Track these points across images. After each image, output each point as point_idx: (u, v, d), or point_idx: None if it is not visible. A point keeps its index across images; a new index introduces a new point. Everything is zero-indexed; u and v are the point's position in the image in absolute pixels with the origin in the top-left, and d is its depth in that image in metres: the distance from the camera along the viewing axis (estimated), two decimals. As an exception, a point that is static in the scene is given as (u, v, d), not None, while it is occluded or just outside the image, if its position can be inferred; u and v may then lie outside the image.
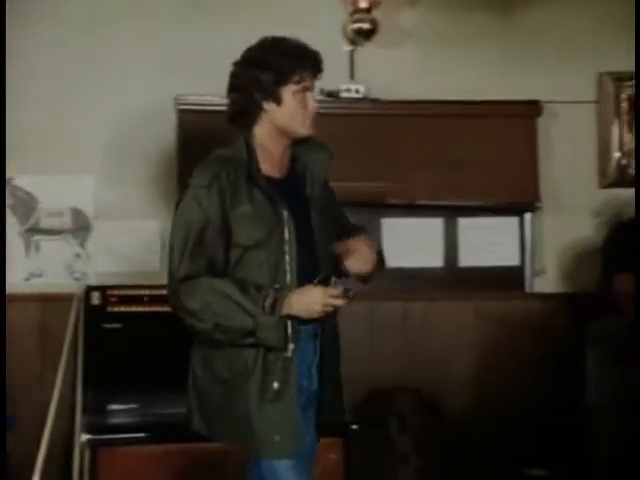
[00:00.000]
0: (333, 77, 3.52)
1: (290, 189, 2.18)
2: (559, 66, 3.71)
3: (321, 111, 3.39)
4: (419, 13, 3.69)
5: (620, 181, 3.84)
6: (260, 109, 2.18)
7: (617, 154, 3.85)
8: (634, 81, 3.78)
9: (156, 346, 3.02)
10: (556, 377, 3.59)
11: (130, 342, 3.04)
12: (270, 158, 2.20)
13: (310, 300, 2.07)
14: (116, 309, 3.18)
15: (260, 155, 2.20)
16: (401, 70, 3.64)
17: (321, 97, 3.45)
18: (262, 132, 2.20)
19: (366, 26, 3.39)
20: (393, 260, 3.61)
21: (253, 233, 2.11)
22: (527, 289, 3.82)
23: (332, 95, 3.48)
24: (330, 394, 2.25)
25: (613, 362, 3.29)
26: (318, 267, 2.17)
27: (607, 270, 3.38)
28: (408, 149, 3.59)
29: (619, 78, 3.78)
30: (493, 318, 3.69)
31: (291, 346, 2.10)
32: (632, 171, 3.83)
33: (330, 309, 2.10)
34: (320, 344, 2.21)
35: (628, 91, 3.82)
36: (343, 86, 3.51)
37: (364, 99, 3.54)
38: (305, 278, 2.11)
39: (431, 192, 3.63)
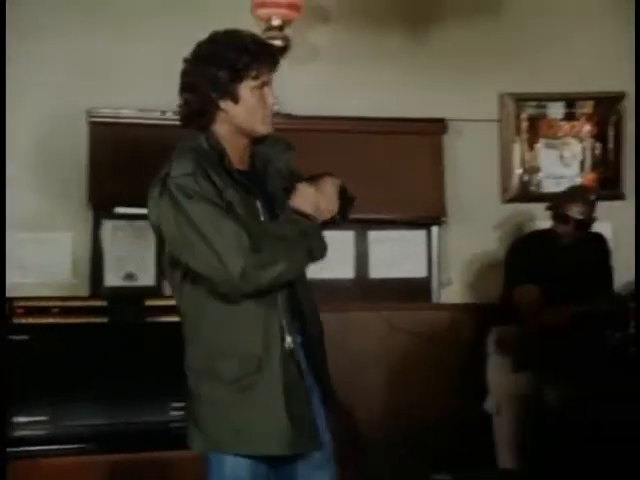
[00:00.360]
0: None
1: (255, 183, 2.08)
2: (464, 86, 3.84)
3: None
4: (331, 31, 3.78)
5: (521, 196, 4.01)
6: (217, 108, 2.05)
7: (519, 170, 4.02)
8: (534, 102, 3.99)
9: (65, 358, 2.98)
10: (462, 384, 3.71)
11: (38, 354, 2.99)
12: (231, 152, 2.08)
13: (314, 199, 2.02)
14: (23, 321, 3.12)
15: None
16: (314, 86, 3.71)
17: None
18: (220, 131, 2.07)
19: (279, 43, 3.43)
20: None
21: (249, 219, 2.00)
22: (434, 300, 3.94)
23: (246, 109, 3.52)
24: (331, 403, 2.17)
25: (510, 370, 3.43)
26: None
27: (508, 282, 3.53)
28: (320, 164, 3.64)
29: (520, 99, 3.95)
30: (403, 328, 3.78)
31: (289, 338, 2.02)
32: (533, 187, 4.03)
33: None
34: (305, 341, 2.11)
35: (528, 111, 4.00)
36: (259, 101, 3.55)
37: (277, 114, 3.58)
38: None
39: (342, 206, 3.71)
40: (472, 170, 3.93)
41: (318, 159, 3.68)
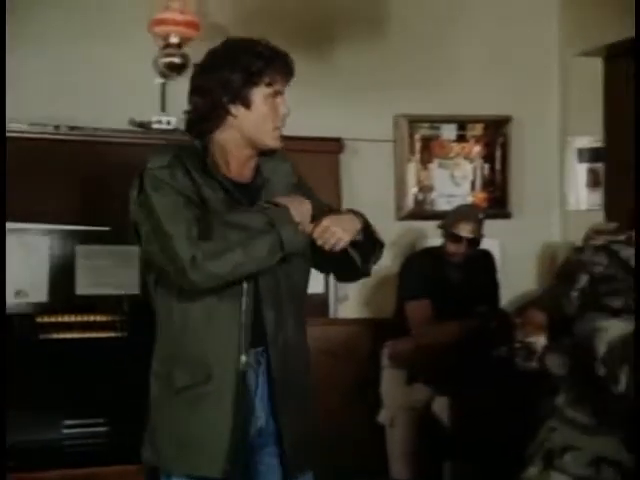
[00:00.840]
0: (145, 109, 3.57)
1: (245, 195, 1.97)
2: (361, 106, 3.92)
3: (133, 141, 3.40)
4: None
5: (416, 214, 4.12)
6: (227, 113, 1.93)
7: (414, 189, 4.14)
8: (427, 123, 4.13)
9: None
10: (359, 397, 3.78)
11: None
12: (230, 161, 1.98)
13: (301, 202, 1.93)
14: None
15: (218, 155, 1.97)
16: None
17: (132, 128, 3.48)
18: (223, 138, 1.96)
19: (177, 60, 3.41)
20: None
21: None
22: (331, 315, 3.99)
23: (143, 126, 3.50)
24: (288, 442, 1.98)
25: (403, 382, 3.52)
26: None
27: (401, 297, 3.63)
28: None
29: (413, 120, 4.08)
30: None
31: (243, 358, 1.91)
32: (427, 206, 4.15)
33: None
34: (268, 376, 1.97)
35: (421, 132, 4.13)
36: (154, 117, 3.53)
37: (175, 130, 3.59)
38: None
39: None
40: (368, 188, 4.00)
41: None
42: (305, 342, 2.09)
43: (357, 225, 1.98)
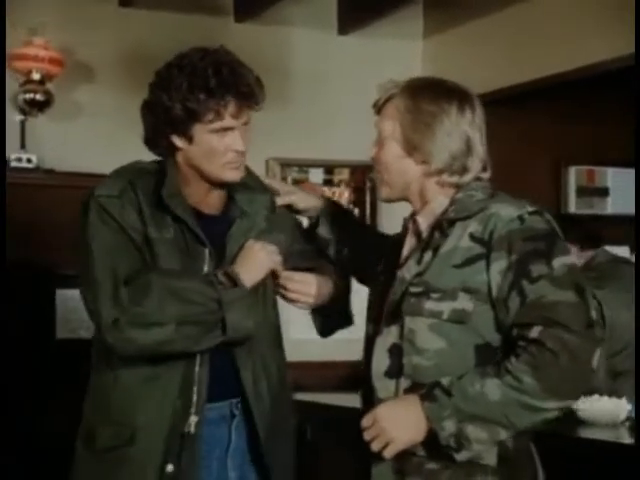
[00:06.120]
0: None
1: (213, 229, 1.75)
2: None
3: (-11, 180, 3.18)
4: (95, 88, 3.67)
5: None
6: (169, 143, 1.71)
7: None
8: (296, 167, 4.16)
9: None
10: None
11: None
12: (191, 189, 1.75)
13: (256, 257, 1.71)
14: None
15: (182, 180, 1.74)
16: (78, 143, 3.58)
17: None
18: (180, 163, 1.74)
19: (40, 97, 3.30)
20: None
21: (180, 266, 1.69)
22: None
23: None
24: None
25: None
26: None
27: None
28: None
29: (284, 164, 4.12)
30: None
31: (194, 419, 1.67)
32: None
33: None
34: (248, 428, 1.76)
35: (293, 174, 4.15)
36: (13, 155, 3.36)
37: (37, 169, 3.43)
38: None
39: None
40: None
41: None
42: (287, 384, 1.87)
43: (325, 293, 1.79)
